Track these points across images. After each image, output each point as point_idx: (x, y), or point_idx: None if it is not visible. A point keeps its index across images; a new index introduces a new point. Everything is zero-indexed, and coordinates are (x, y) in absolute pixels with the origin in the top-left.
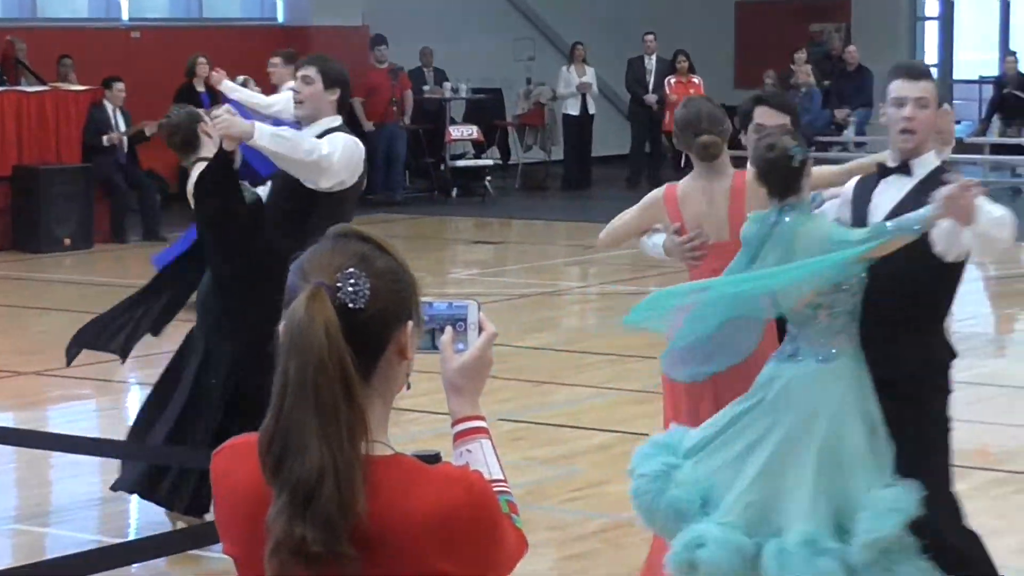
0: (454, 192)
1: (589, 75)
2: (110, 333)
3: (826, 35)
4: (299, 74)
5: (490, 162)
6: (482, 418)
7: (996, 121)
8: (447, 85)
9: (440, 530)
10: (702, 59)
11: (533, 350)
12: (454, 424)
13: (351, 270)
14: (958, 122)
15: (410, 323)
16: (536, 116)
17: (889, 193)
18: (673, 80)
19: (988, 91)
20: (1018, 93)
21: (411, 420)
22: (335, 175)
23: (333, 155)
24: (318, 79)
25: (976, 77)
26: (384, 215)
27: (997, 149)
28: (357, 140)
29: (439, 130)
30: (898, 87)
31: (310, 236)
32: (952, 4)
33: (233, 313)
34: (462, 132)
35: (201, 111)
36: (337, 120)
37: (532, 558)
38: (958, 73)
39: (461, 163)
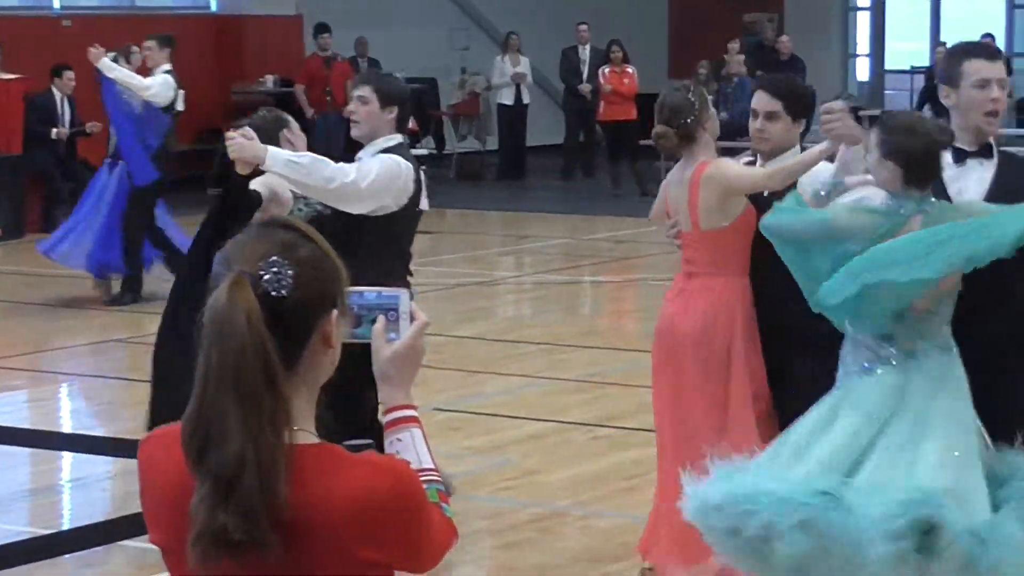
0: None
1: (523, 65)
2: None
3: (759, 25)
4: (355, 94)
5: (424, 152)
6: (413, 407)
7: (927, 111)
8: None
9: (363, 518)
10: (636, 49)
11: (468, 340)
12: (385, 413)
13: (274, 258)
14: None
15: (335, 312)
16: (471, 106)
17: (972, 178)
18: (607, 70)
19: (920, 81)
20: None
21: None
22: (368, 200)
23: (362, 181)
24: (373, 99)
25: (908, 67)
26: None
27: None
28: (401, 160)
29: None
30: (979, 67)
31: (363, 258)
32: None
33: None
34: None
35: (288, 117)
36: (396, 139)
37: (466, 547)
38: (890, 63)
39: None
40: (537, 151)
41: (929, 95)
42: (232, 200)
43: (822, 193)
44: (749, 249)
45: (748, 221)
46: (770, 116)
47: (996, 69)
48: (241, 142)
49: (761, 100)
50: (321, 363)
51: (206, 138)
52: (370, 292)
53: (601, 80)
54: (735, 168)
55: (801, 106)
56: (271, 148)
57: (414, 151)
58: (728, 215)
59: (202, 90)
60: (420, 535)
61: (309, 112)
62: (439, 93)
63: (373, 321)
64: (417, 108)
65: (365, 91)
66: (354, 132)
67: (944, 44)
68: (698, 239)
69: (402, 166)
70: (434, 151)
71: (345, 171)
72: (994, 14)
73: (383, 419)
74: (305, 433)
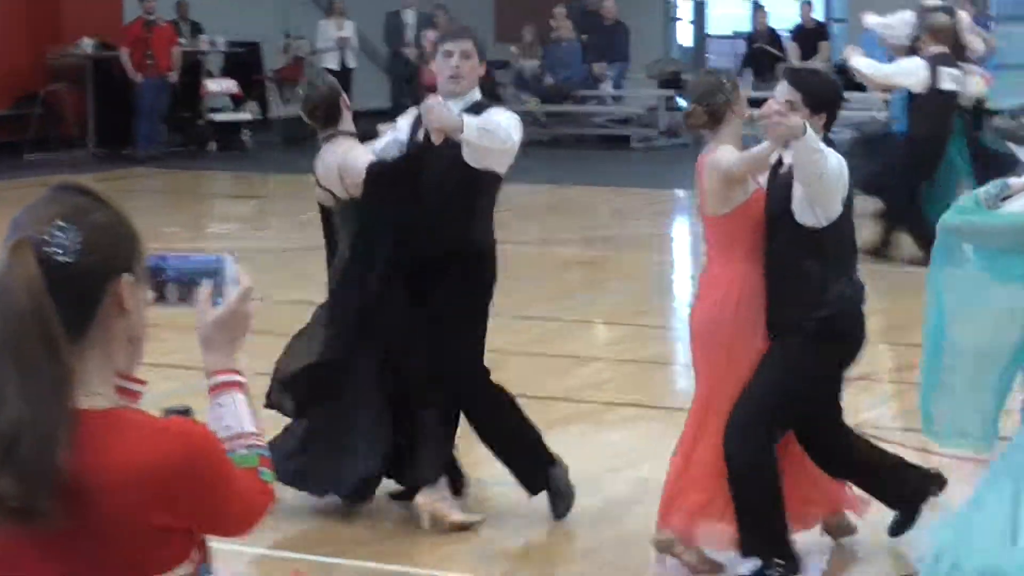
0: (212, 146)
1: (348, 29)
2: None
3: None
4: (458, 48)
5: (248, 116)
6: (237, 372)
7: (749, 76)
8: (203, 38)
9: (153, 482)
10: (461, 12)
11: (294, 304)
12: (208, 378)
13: (61, 222)
14: None
15: (127, 276)
16: (295, 70)
17: None
18: (432, 34)
19: (741, 46)
20: (768, 48)
21: (166, 376)
22: (512, 156)
23: (517, 138)
24: (475, 53)
25: (730, 32)
26: (142, 169)
27: (751, 103)
28: (515, 113)
29: (196, 84)
30: None
31: (480, 217)
32: None
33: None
34: (219, 86)
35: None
36: (478, 94)
37: (285, 510)
38: (712, 28)
39: (219, 117)
40: (363, 115)
41: (749, 60)
42: (418, 167)
43: (991, 193)
44: (754, 238)
45: (750, 210)
46: (787, 106)
47: None
48: (442, 112)
49: (781, 90)
50: (115, 327)
51: (23, 103)
52: (197, 257)
53: (426, 44)
54: (726, 154)
55: (821, 99)
56: (465, 117)
57: (238, 115)
58: (728, 203)
59: (14, 54)
60: (219, 500)
61: (137, 76)
62: (262, 58)
63: (199, 285)
64: (240, 72)
65: (469, 45)
66: (454, 88)
67: (762, 8)
68: (707, 224)
69: (519, 122)
70: (258, 116)
71: (510, 131)
72: None
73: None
74: (97, 397)
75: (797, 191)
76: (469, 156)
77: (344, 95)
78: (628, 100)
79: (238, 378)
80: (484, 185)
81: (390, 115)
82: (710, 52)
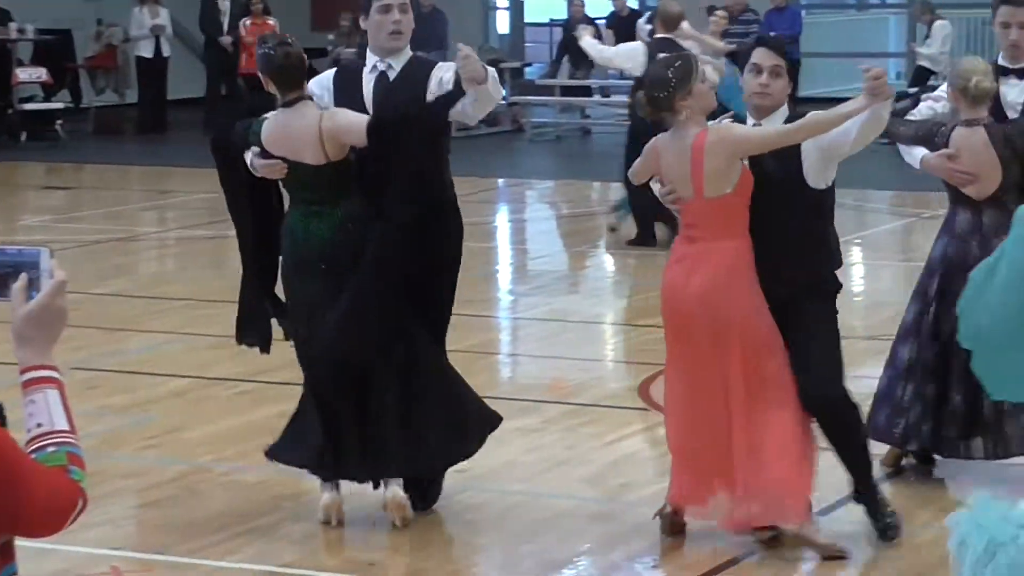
0: (23, 136)
1: (162, 16)
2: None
3: None
4: (397, 1)
5: (61, 105)
6: (52, 367)
7: (565, 63)
8: (12, 26)
9: None
10: (278, 1)
11: (108, 297)
12: (21, 374)
13: None
14: (530, 64)
15: None
16: (108, 58)
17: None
18: (248, 22)
19: (558, 34)
20: None
21: None
22: None
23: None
24: (410, 7)
25: (547, 20)
26: None
27: (567, 91)
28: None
29: (5, 72)
30: (1006, 13)
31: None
32: None
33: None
34: (30, 75)
35: None
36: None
37: (106, 507)
38: (529, 16)
39: (30, 106)
40: (178, 104)
41: (566, 48)
42: (443, 113)
43: None
44: (747, 213)
45: (748, 184)
46: (774, 72)
47: (1020, 13)
48: (475, 60)
49: (766, 56)
50: None
51: None
52: (11, 249)
53: (242, 32)
54: (740, 129)
55: (793, 68)
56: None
57: (49, 105)
58: (731, 181)
59: None
60: (14, 500)
61: None
62: (74, 45)
63: (15, 278)
64: (51, 61)
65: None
66: (395, 44)
67: None
68: (703, 207)
69: None
70: (71, 105)
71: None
72: None
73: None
74: None
75: (812, 156)
76: (472, 107)
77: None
78: None
79: (52, 374)
80: (445, 136)
81: (205, 103)
82: (528, 40)
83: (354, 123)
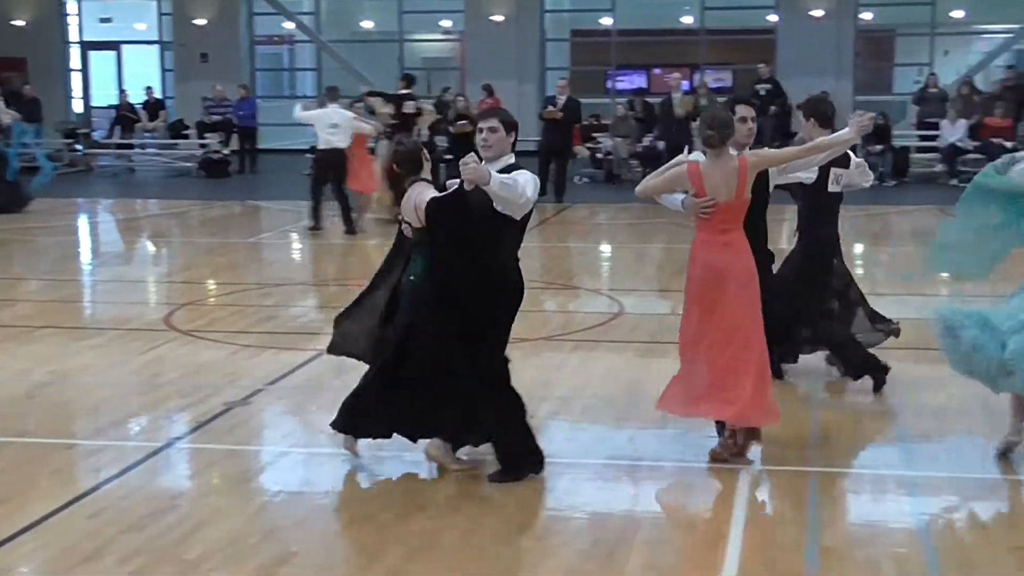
0: None
1: None
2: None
3: None
4: (487, 125)
5: None
6: None
7: (119, 131)
8: None
9: None
10: None
11: None
12: None
13: None
14: (96, 130)
15: None
16: None
17: None
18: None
19: (112, 113)
20: (129, 114)
21: None
22: (527, 208)
23: (531, 194)
24: (501, 127)
25: (106, 104)
26: None
27: (120, 146)
28: (536, 177)
29: None
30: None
31: (503, 252)
32: None
33: (445, 302)
34: None
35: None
36: (513, 157)
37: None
38: (97, 102)
39: None
40: None
41: (121, 120)
42: (456, 204)
43: (1005, 162)
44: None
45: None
46: (753, 119)
47: None
48: (477, 167)
49: (747, 110)
50: None
51: None
52: None
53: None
54: (768, 151)
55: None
56: (493, 172)
57: None
58: (749, 191)
59: None
60: None
61: None
62: None
63: None
64: None
65: (495, 122)
66: (487, 155)
67: (125, 92)
68: (739, 207)
69: (537, 180)
70: None
71: (527, 188)
72: None
73: None
74: None
75: (773, 169)
76: (496, 203)
77: (424, 151)
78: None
79: None
80: (504, 226)
81: None
82: (95, 116)
83: (421, 204)
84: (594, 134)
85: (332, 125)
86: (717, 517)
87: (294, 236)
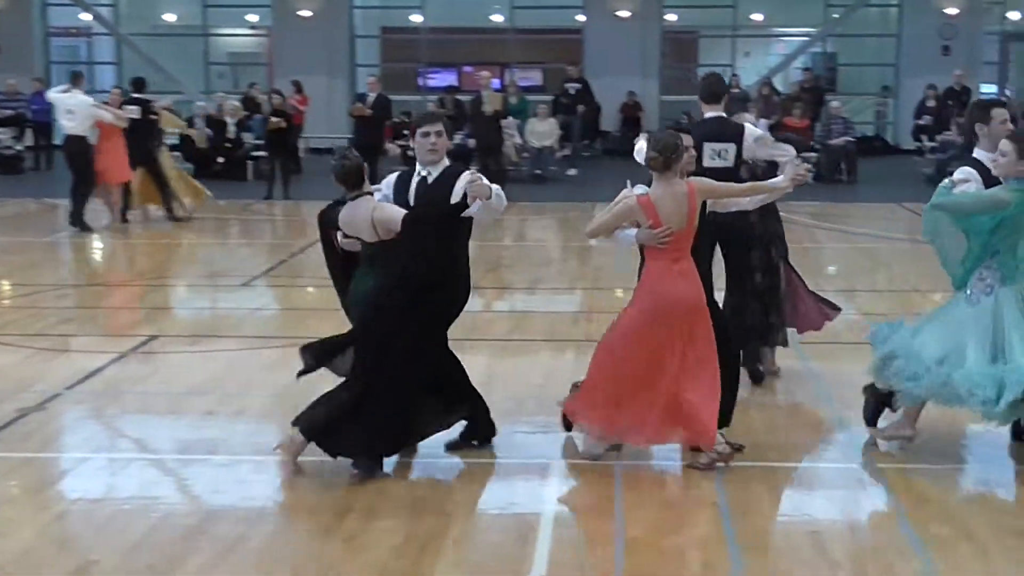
0: None
1: None
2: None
3: None
4: (433, 130)
5: None
6: None
7: None
8: None
9: None
10: None
11: None
12: None
13: None
14: None
15: None
16: None
17: None
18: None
19: None
20: None
21: None
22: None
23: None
24: (444, 132)
25: None
26: None
27: None
28: None
29: None
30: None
31: (463, 252)
32: None
33: (398, 309)
34: None
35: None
36: (447, 160)
37: None
38: None
39: None
40: None
41: None
42: (452, 218)
43: (948, 184)
44: None
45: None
46: (693, 147)
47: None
48: (483, 184)
49: (690, 139)
50: None
51: None
52: None
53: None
54: (711, 182)
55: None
56: (493, 185)
57: None
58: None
59: None
60: None
61: None
62: None
63: None
64: None
65: (440, 127)
66: (434, 159)
67: None
68: (689, 233)
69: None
70: None
71: (503, 198)
72: None
73: None
74: None
75: (709, 204)
76: (480, 211)
77: (365, 165)
78: None
79: None
80: (464, 228)
81: None
82: None
83: (393, 217)
84: (405, 131)
85: (68, 111)
86: (528, 512)
87: (94, 236)
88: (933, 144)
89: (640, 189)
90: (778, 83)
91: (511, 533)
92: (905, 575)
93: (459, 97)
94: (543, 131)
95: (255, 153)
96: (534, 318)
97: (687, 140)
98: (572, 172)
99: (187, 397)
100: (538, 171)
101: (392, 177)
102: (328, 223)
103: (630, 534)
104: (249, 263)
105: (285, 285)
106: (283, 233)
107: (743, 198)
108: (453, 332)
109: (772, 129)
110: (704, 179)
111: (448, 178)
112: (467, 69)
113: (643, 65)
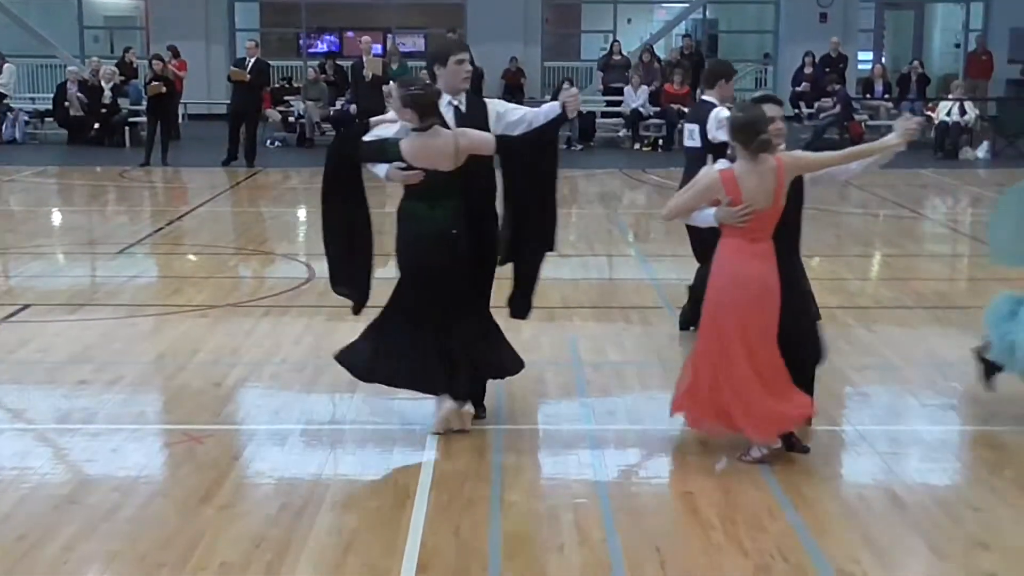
0: None
1: None
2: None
3: None
4: (466, 57)
5: None
6: None
7: None
8: None
9: None
10: None
11: None
12: None
13: None
14: None
15: None
16: None
17: None
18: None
19: None
20: None
21: None
22: None
23: None
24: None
25: None
26: None
27: None
28: None
29: None
30: None
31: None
32: None
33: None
34: None
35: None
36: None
37: None
38: None
39: None
40: None
41: None
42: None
43: None
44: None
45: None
46: (782, 119)
47: None
48: (579, 100)
49: (775, 110)
50: None
51: None
52: None
53: None
54: (805, 154)
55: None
56: None
57: None
58: (784, 196)
59: None
60: None
61: None
62: None
63: None
64: None
65: (469, 53)
66: (467, 86)
67: None
68: (774, 213)
69: None
70: None
71: None
72: None
73: None
74: None
75: (806, 179)
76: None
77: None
78: None
79: None
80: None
81: None
82: None
83: (486, 140)
84: (286, 97)
85: None
86: (405, 477)
87: None
88: (810, 111)
89: (723, 164)
90: (659, 50)
91: (388, 498)
92: (774, 531)
93: (340, 63)
94: None
95: (132, 119)
96: None
97: (774, 110)
98: None
99: (62, 366)
100: None
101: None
102: (352, 154)
103: (507, 498)
104: (126, 230)
105: (164, 253)
106: (162, 200)
107: (851, 164)
108: (330, 298)
109: (653, 96)
110: (797, 152)
111: (476, 105)
112: (349, 34)
113: (525, 31)
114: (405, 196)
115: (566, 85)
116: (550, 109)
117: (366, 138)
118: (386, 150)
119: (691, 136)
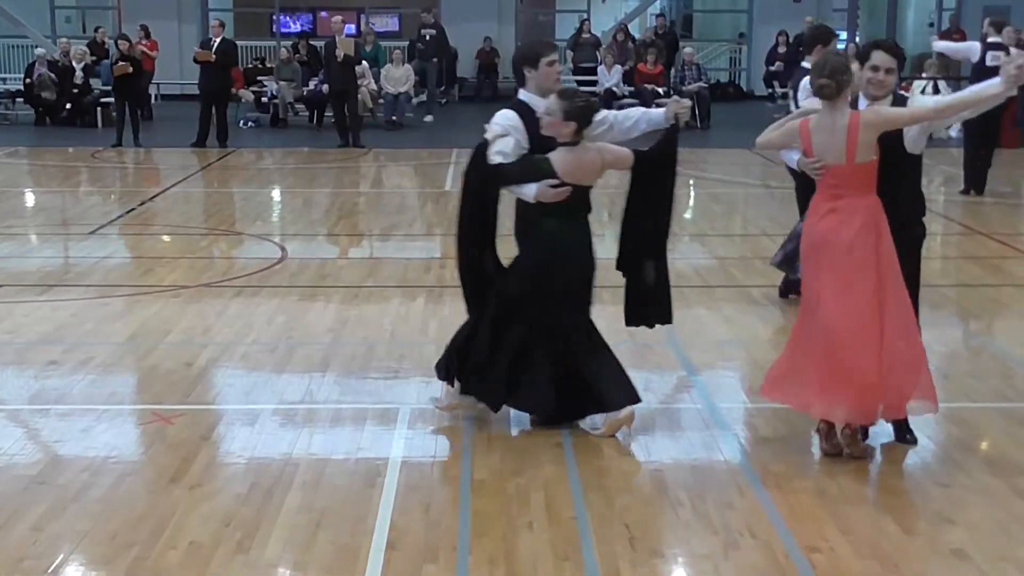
0: None
1: None
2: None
3: None
4: (556, 58)
5: None
6: None
7: None
8: None
9: None
10: None
11: None
12: None
13: None
14: None
15: None
16: None
17: None
18: None
19: None
20: None
21: None
22: None
23: None
24: None
25: None
26: None
27: None
28: None
29: None
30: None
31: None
32: None
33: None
34: None
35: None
36: None
37: None
38: None
39: None
40: None
41: None
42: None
43: None
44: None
45: (878, 152)
46: (889, 71)
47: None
48: (688, 106)
49: (884, 59)
50: None
51: None
52: None
53: None
54: (890, 109)
55: (902, 65)
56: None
57: None
58: (874, 151)
59: None
60: None
61: None
62: None
63: None
64: None
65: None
66: (555, 88)
67: None
68: (851, 171)
69: None
70: None
71: None
72: None
73: None
74: None
75: (913, 130)
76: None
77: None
78: None
79: None
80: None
81: None
82: None
83: (626, 155)
84: (259, 77)
85: None
86: (376, 457)
87: None
88: (784, 90)
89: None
90: (633, 29)
91: (358, 477)
92: (743, 508)
93: (313, 42)
94: (398, 77)
95: (104, 100)
96: (387, 264)
97: (880, 58)
98: (429, 119)
99: (32, 347)
100: (394, 117)
101: (513, 116)
102: (489, 176)
103: (477, 477)
104: (98, 211)
105: (135, 233)
106: (133, 181)
107: (949, 117)
108: (303, 279)
109: (627, 75)
110: (880, 108)
111: None
112: (322, 14)
113: (499, 11)
114: (542, 213)
115: (675, 97)
116: (658, 116)
117: (496, 158)
118: (540, 167)
119: (792, 102)
